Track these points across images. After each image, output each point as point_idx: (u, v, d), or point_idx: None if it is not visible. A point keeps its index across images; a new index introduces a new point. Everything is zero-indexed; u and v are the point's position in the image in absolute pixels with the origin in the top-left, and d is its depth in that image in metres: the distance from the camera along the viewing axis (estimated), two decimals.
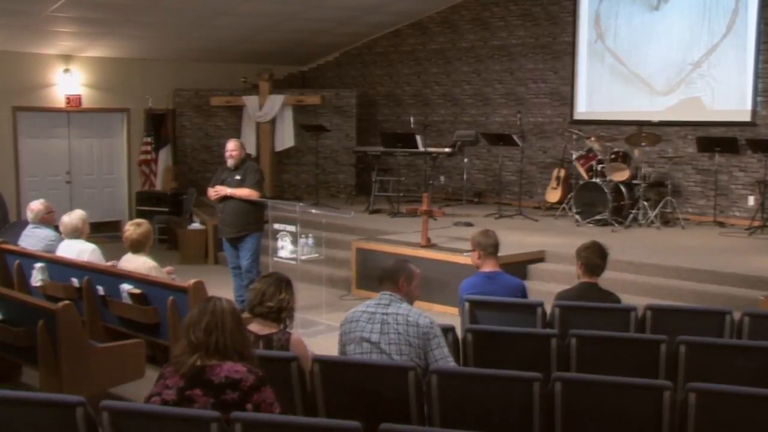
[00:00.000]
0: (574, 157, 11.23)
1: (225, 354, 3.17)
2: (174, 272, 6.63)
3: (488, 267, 5.36)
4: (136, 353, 5.33)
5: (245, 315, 4.52)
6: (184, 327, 3.26)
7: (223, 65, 14.00)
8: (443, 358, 4.00)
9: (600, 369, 3.88)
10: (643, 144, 10.49)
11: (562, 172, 11.76)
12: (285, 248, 7.85)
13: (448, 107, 13.54)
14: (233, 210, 7.80)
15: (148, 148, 13.19)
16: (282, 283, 4.07)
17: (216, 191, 7.80)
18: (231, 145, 7.88)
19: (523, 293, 5.35)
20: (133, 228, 6.29)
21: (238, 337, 3.25)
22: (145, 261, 6.20)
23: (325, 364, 3.80)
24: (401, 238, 9.33)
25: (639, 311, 4.87)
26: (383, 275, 4.23)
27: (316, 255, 8.04)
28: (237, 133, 13.18)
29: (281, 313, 4.03)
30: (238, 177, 7.78)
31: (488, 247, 5.33)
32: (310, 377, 3.81)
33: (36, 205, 7.22)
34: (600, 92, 11.90)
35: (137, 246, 6.25)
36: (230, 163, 7.81)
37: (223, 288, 7.68)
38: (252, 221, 7.83)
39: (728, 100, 10.73)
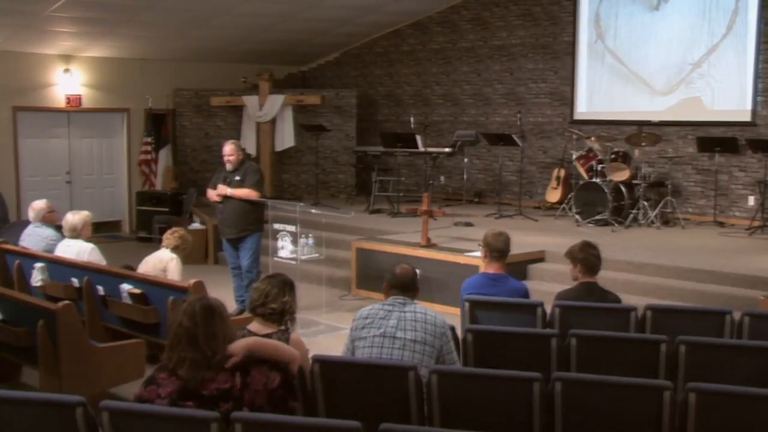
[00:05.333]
0: (574, 157, 11.24)
1: (210, 357, 3.16)
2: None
3: (492, 269, 5.35)
4: (136, 353, 5.34)
5: (246, 314, 4.52)
6: (169, 342, 3.23)
7: (223, 65, 14.00)
8: (453, 363, 4.13)
9: (600, 369, 3.88)
10: (643, 144, 10.49)
11: (562, 172, 11.76)
12: (285, 248, 7.85)
13: (448, 107, 13.54)
14: (233, 210, 7.80)
15: (148, 148, 13.20)
16: (286, 285, 4.08)
17: (217, 191, 7.82)
18: (227, 149, 7.85)
19: (526, 298, 5.34)
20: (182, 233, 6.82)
21: (219, 342, 3.22)
22: (172, 258, 6.59)
23: (325, 364, 3.80)
24: (401, 238, 9.33)
25: (639, 311, 4.87)
26: (404, 284, 4.26)
27: (316, 255, 8.04)
28: (237, 134, 13.20)
29: (284, 316, 4.04)
30: (238, 177, 7.79)
31: (494, 251, 5.31)
32: (310, 377, 3.81)
33: (38, 204, 7.26)
34: (600, 92, 11.90)
35: (175, 249, 6.70)
36: (229, 167, 7.83)
37: (222, 288, 7.69)
38: (252, 221, 7.84)
39: (728, 100, 10.73)
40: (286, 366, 3.37)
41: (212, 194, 7.89)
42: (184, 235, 6.83)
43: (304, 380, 3.82)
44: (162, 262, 6.59)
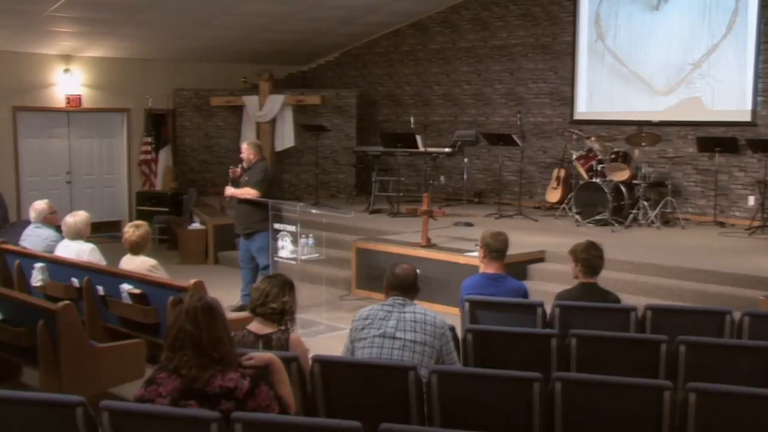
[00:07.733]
0: (574, 157, 11.23)
1: (217, 360, 3.15)
2: None
3: (492, 269, 5.35)
4: (136, 353, 5.33)
5: (246, 314, 4.51)
6: (169, 343, 3.19)
7: (223, 65, 14.00)
8: (453, 363, 4.13)
9: (600, 369, 3.88)
10: (643, 144, 10.49)
11: (562, 172, 11.76)
12: (285, 248, 7.85)
13: (448, 107, 13.54)
14: (238, 209, 8.15)
15: (149, 148, 13.20)
16: (286, 285, 4.08)
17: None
18: (242, 147, 8.27)
19: (525, 297, 5.34)
20: (132, 230, 6.31)
21: (226, 345, 3.20)
22: (144, 260, 6.22)
23: (325, 364, 3.81)
24: (401, 238, 9.33)
25: (639, 311, 4.87)
26: (406, 285, 4.26)
27: (316, 255, 8.04)
28: (237, 134, 13.24)
29: (284, 316, 4.05)
30: (246, 177, 8.03)
31: (493, 251, 5.32)
32: (310, 377, 3.81)
33: (40, 205, 7.26)
34: (600, 92, 11.90)
35: (136, 248, 6.28)
36: (244, 164, 8.12)
37: (223, 288, 7.71)
38: (257, 220, 7.99)
39: (728, 100, 10.73)
40: (286, 407, 3.33)
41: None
42: (145, 233, 6.29)
43: (304, 380, 3.82)
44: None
